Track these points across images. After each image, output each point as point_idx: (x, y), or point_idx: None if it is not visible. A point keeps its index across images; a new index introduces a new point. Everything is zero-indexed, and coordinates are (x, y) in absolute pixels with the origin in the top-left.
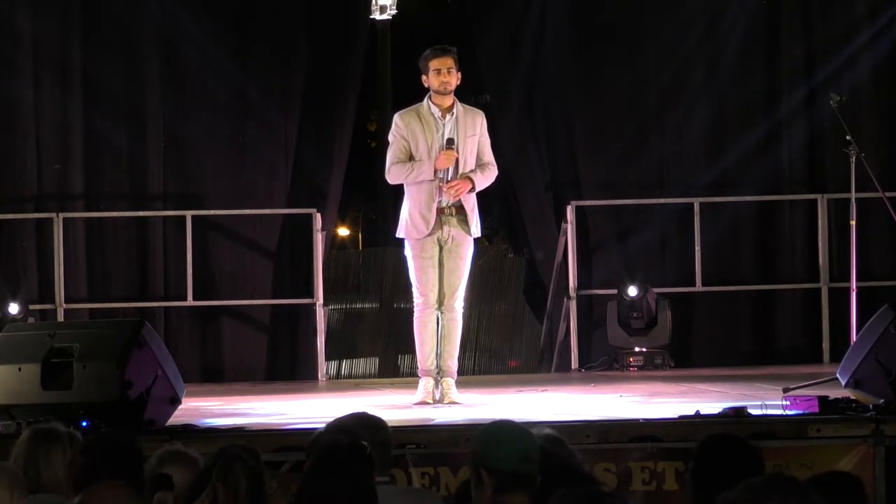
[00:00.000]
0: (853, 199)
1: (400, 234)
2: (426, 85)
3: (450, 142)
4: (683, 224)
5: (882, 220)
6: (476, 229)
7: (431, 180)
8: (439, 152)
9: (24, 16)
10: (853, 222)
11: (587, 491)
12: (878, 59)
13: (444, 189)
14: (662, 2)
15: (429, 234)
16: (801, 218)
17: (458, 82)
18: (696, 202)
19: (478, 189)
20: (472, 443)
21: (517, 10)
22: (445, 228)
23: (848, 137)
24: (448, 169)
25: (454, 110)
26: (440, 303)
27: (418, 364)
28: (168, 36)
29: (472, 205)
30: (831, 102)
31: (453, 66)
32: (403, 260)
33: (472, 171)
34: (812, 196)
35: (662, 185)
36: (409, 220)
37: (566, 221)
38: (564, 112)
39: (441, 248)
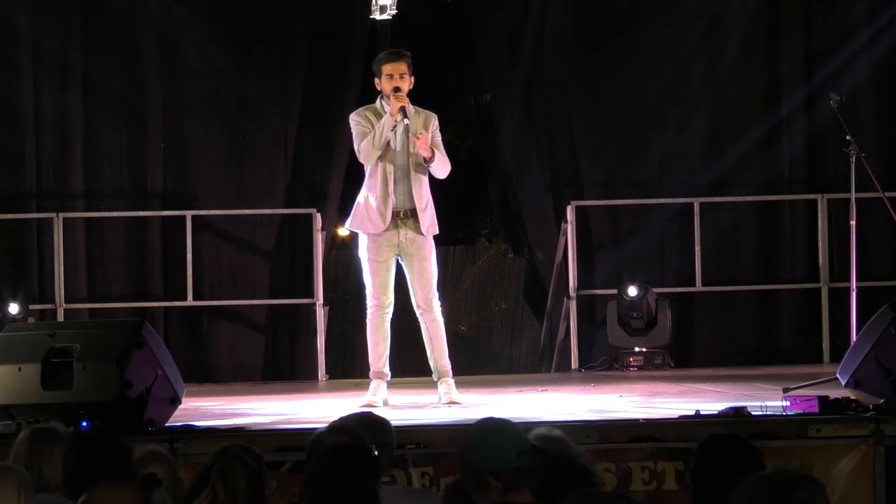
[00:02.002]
0: (853, 199)
1: (353, 226)
2: (378, 88)
3: (396, 90)
4: (683, 224)
5: (882, 220)
6: (429, 228)
7: (385, 172)
8: (392, 133)
9: (24, 16)
10: (853, 222)
11: (594, 494)
12: (878, 59)
13: (414, 136)
14: (662, 2)
15: (384, 237)
16: (801, 218)
17: (411, 87)
18: (696, 202)
19: (434, 166)
20: (466, 451)
21: (517, 10)
22: (402, 232)
23: (848, 137)
24: (402, 163)
25: (407, 112)
26: (418, 307)
27: (370, 366)
28: (168, 36)
29: (424, 205)
30: (831, 102)
31: (406, 71)
32: (357, 261)
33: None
34: (812, 196)
35: (662, 185)
36: (366, 212)
37: (566, 221)
38: (564, 112)
39: (401, 254)
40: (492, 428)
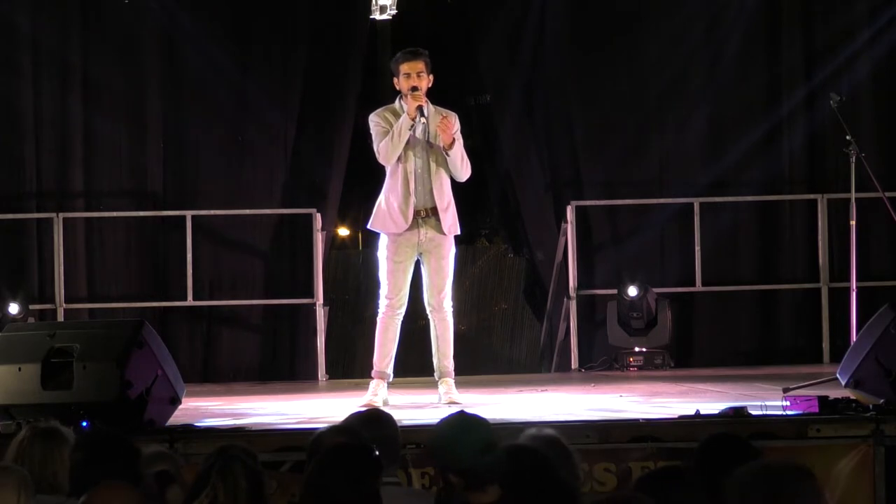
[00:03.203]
0: (853, 199)
1: (374, 226)
2: (397, 87)
3: (414, 89)
4: (683, 224)
5: (882, 220)
6: (451, 227)
7: (406, 171)
8: (412, 129)
9: (24, 16)
10: (853, 222)
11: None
12: (878, 59)
13: (440, 124)
14: (662, 2)
15: (404, 237)
16: (801, 218)
17: (430, 85)
18: (696, 202)
19: (454, 156)
20: (431, 448)
21: (517, 10)
22: (422, 231)
23: (848, 137)
24: (422, 162)
25: (425, 111)
26: (430, 305)
27: (373, 365)
28: (168, 36)
29: (445, 204)
30: (831, 102)
31: (424, 70)
32: (375, 260)
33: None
34: (812, 196)
35: (662, 185)
36: (387, 212)
37: (566, 221)
38: (564, 112)
39: (420, 253)
40: (456, 425)
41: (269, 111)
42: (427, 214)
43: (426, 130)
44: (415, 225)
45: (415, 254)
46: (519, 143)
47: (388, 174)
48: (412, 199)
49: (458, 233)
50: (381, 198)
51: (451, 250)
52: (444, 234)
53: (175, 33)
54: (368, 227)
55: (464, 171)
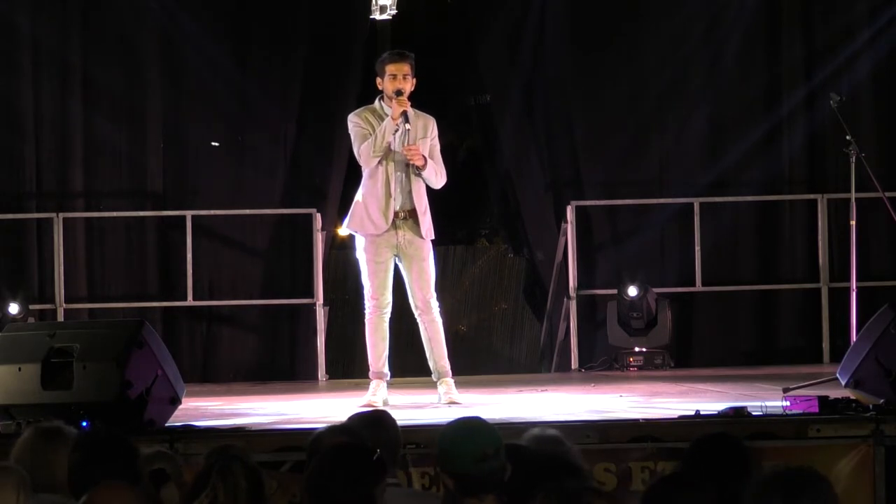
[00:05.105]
0: (853, 199)
1: (352, 227)
2: (380, 88)
3: (398, 92)
4: (683, 224)
5: (882, 220)
6: (427, 231)
7: (386, 173)
8: (393, 136)
9: (24, 16)
10: (853, 222)
11: (569, 487)
12: (878, 59)
13: (406, 148)
14: (662, 2)
15: (383, 238)
16: (801, 218)
17: (413, 88)
18: (696, 202)
19: (426, 174)
20: (438, 449)
21: (517, 10)
22: (400, 233)
23: (848, 137)
24: (402, 165)
25: (408, 114)
26: (416, 308)
27: (369, 366)
28: (168, 36)
29: (423, 208)
30: (831, 102)
31: (409, 72)
32: (356, 261)
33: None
34: (812, 196)
35: (662, 185)
36: (366, 213)
37: (566, 221)
38: (564, 112)
39: (399, 255)
40: (453, 430)
41: (269, 111)
42: (405, 216)
43: (406, 134)
44: (393, 226)
45: (393, 254)
46: (519, 143)
47: (366, 175)
48: (392, 201)
49: (434, 237)
50: (359, 198)
51: (430, 252)
52: (422, 237)
53: (175, 33)
54: (345, 227)
55: (438, 182)
